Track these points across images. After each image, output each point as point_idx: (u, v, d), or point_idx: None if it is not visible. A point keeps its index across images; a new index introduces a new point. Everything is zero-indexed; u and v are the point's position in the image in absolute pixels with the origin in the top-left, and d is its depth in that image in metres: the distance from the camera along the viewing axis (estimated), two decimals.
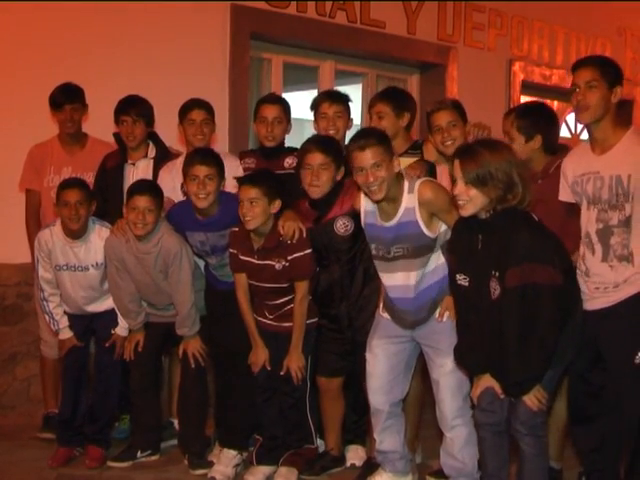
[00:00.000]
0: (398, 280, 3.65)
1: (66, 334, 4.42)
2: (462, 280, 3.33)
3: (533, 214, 3.27)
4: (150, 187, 4.22)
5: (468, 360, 3.42)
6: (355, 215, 3.90)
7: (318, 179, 3.92)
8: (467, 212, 3.23)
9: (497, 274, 3.19)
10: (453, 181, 3.28)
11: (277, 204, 3.98)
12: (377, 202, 3.62)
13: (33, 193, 4.78)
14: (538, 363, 3.18)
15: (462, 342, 3.42)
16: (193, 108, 4.47)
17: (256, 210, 3.92)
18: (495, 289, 3.20)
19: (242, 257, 4.07)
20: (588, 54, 7.73)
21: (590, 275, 3.48)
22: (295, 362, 4.08)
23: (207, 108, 4.51)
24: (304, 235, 3.99)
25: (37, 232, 4.50)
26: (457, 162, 3.22)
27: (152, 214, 4.14)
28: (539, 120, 3.91)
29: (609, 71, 3.46)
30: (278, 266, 4.01)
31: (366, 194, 3.64)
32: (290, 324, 4.08)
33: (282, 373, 4.10)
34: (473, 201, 3.18)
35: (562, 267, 3.19)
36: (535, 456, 3.30)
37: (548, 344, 3.16)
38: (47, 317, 4.45)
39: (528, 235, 3.14)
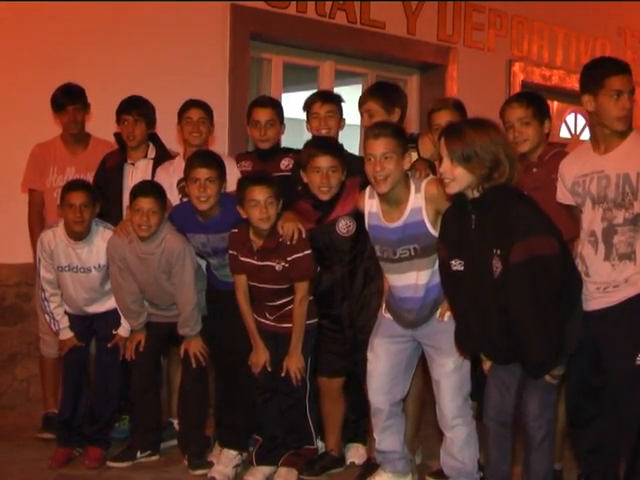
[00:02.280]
0: (408, 280, 3.64)
1: (66, 334, 4.42)
2: (457, 265, 3.28)
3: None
4: (154, 188, 4.22)
5: (468, 343, 3.40)
6: (357, 215, 3.90)
7: (329, 182, 3.93)
8: (452, 190, 3.20)
9: (499, 252, 3.14)
10: (439, 159, 3.26)
11: (280, 204, 4.00)
12: (381, 194, 3.61)
13: (36, 193, 4.78)
14: (558, 337, 3.14)
15: (460, 326, 3.38)
16: (190, 107, 4.50)
17: (271, 211, 3.94)
18: (497, 267, 3.15)
19: (242, 258, 4.07)
20: (588, 55, 7.78)
21: (590, 275, 3.47)
22: (294, 363, 4.08)
23: (204, 108, 4.53)
24: (303, 236, 4.00)
25: (40, 232, 4.51)
26: (443, 140, 3.20)
27: (156, 216, 4.14)
28: (546, 106, 3.95)
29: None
30: (278, 267, 4.01)
31: (372, 185, 3.65)
32: (290, 325, 4.08)
33: (282, 374, 4.10)
34: (458, 180, 3.15)
35: (559, 239, 3.19)
36: (542, 443, 3.26)
37: (564, 313, 3.14)
38: (48, 317, 4.45)
39: (527, 208, 3.11)
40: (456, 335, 3.44)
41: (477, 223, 3.21)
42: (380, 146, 3.53)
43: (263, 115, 4.46)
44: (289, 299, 4.08)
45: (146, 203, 4.11)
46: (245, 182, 4.01)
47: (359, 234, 3.96)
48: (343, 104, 4.51)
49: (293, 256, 3.99)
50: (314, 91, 4.92)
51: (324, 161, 3.93)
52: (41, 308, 4.54)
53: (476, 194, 3.18)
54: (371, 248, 3.86)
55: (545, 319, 3.10)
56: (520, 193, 3.22)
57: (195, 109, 4.49)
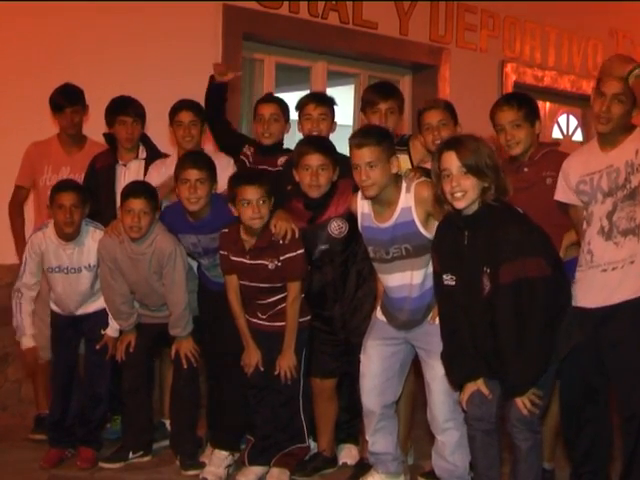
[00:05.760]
0: (402, 280, 3.65)
1: (29, 343, 4.39)
2: (449, 280, 3.32)
3: (517, 207, 3.27)
4: (145, 189, 4.20)
5: (456, 369, 3.40)
6: (350, 217, 3.91)
7: (318, 180, 3.93)
8: (462, 204, 3.21)
9: (488, 270, 3.18)
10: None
11: (272, 202, 4.00)
12: (369, 199, 3.63)
13: (21, 190, 4.75)
14: (539, 363, 3.17)
15: (448, 349, 3.40)
16: (181, 110, 4.47)
17: (264, 210, 3.94)
18: (486, 285, 3.20)
19: (234, 258, 4.07)
20: (580, 56, 7.81)
21: (594, 259, 3.47)
22: (286, 362, 4.08)
23: (195, 109, 4.49)
24: (296, 235, 4.00)
25: (19, 228, 4.57)
26: (451, 153, 3.21)
27: (147, 216, 4.14)
28: (536, 107, 3.97)
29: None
30: (271, 266, 4.01)
31: (361, 190, 3.66)
32: (283, 323, 4.09)
33: (276, 373, 4.10)
34: (469, 192, 3.18)
35: (550, 259, 3.20)
36: (529, 454, 3.28)
37: (546, 341, 3.15)
38: (15, 320, 4.41)
39: (516, 229, 3.14)
40: (443, 358, 3.44)
41: (469, 239, 3.25)
42: (364, 155, 3.53)
43: (267, 110, 4.47)
44: (281, 297, 4.08)
45: (137, 204, 4.11)
46: (237, 181, 4.01)
47: (351, 236, 3.96)
48: (335, 106, 4.50)
49: (286, 255, 3.99)
50: (307, 92, 4.92)
51: (314, 159, 3.93)
52: (13, 307, 4.49)
53: (472, 209, 3.22)
54: (364, 250, 3.87)
55: (529, 341, 3.13)
56: (512, 210, 3.24)
57: (185, 112, 4.45)
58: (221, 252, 4.11)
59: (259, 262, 4.03)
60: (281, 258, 3.99)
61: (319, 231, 4.02)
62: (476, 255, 3.21)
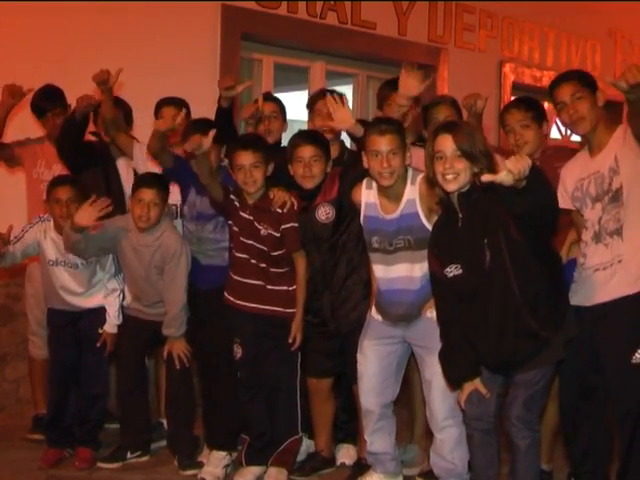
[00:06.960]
0: (401, 272, 3.65)
1: None
2: (454, 270, 3.27)
3: None
4: (158, 181, 4.23)
5: (453, 369, 3.40)
6: (338, 203, 3.97)
7: (311, 171, 3.98)
8: (453, 187, 3.20)
9: (486, 240, 3.17)
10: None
11: (271, 167, 4.05)
12: (385, 187, 3.63)
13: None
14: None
15: (446, 348, 3.39)
16: (163, 106, 4.51)
17: (257, 174, 3.99)
18: (487, 256, 3.18)
19: (237, 206, 4.07)
20: (578, 56, 7.82)
21: (586, 262, 3.52)
22: (298, 324, 4.06)
23: (176, 104, 4.49)
24: (295, 208, 4.04)
25: None
26: (447, 136, 3.21)
27: (157, 208, 4.16)
28: (543, 110, 4.04)
29: (587, 79, 3.56)
30: (263, 232, 4.04)
31: (375, 179, 3.66)
32: (272, 308, 4.08)
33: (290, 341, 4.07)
34: (460, 175, 3.18)
35: None
36: (528, 452, 3.29)
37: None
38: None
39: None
40: (441, 357, 3.43)
41: (464, 221, 3.25)
42: (386, 142, 3.56)
43: (267, 107, 4.53)
44: (271, 287, 4.07)
45: (148, 194, 4.13)
46: (233, 146, 4.08)
47: (340, 223, 4.00)
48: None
49: (285, 225, 4.03)
50: (305, 92, 4.93)
51: (307, 151, 3.98)
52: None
53: (463, 189, 3.22)
54: (354, 239, 3.94)
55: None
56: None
57: (166, 107, 4.48)
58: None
59: (255, 224, 4.05)
60: (281, 228, 4.02)
61: (308, 217, 4.05)
62: (474, 231, 3.20)
